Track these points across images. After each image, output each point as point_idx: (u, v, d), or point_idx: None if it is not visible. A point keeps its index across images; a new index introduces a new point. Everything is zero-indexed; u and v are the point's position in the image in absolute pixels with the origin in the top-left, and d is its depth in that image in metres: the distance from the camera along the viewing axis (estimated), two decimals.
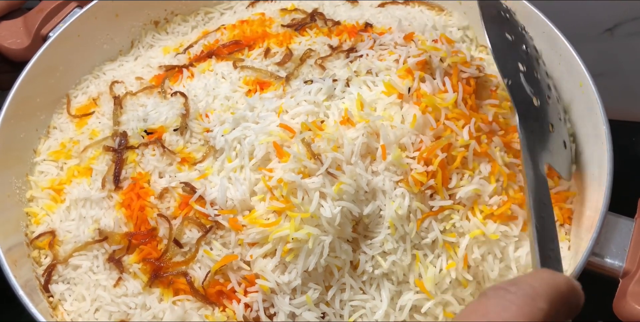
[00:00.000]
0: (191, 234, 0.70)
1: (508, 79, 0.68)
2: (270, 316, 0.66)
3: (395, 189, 0.68)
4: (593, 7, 1.12)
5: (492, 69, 0.88)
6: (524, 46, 0.75)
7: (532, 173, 0.63)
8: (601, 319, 0.65)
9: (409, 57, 0.77)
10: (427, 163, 0.68)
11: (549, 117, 0.71)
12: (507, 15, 0.77)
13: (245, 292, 0.67)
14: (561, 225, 0.73)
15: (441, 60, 0.76)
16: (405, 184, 0.68)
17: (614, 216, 0.66)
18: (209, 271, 0.68)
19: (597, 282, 0.64)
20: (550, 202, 0.62)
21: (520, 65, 0.71)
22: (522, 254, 0.68)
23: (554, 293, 0.45)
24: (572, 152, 0.75)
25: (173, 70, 0.89)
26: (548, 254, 0.55)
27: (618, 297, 0.61)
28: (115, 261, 0.72)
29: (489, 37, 0.70)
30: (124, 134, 0.80)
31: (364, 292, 0.68)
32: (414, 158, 0.69)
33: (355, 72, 0.80)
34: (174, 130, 0.78)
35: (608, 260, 0.64)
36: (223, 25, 0.95)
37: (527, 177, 0.63)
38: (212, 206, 0.70)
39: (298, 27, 0.90)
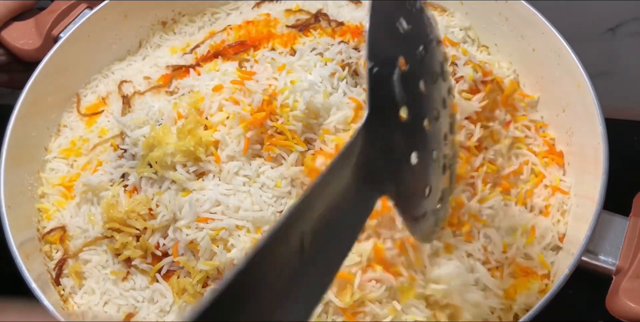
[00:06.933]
0: None
1: (374, 65, 0.47)
2: None
3: None
4: (595, 6, 1.12)
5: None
6: (421, 48, 0.54)
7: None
8: (602, 319, 0.66)
9: None
10: None
11: (420, 147, 0.51)
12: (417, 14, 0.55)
13: None
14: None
15: (455, 64, 0.77)
16: None
17: (608, 214, 0.67)
18: None
19: (598, 282, 0.66)
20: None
21: (402, 61, 0.50)
22: None
23: None
24: (439, 214, 0.55)
25: (180, 70, 0.90)
26: None
27: (611, 293, 0.62)
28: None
29: (371, 13, 0.48)
30: None
31: None
32: None
33: None
34: None
35: (602, 257, 0.65)
36: (229, 25, 0.96)
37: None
38: None
39: (302, 27, 0.91)
